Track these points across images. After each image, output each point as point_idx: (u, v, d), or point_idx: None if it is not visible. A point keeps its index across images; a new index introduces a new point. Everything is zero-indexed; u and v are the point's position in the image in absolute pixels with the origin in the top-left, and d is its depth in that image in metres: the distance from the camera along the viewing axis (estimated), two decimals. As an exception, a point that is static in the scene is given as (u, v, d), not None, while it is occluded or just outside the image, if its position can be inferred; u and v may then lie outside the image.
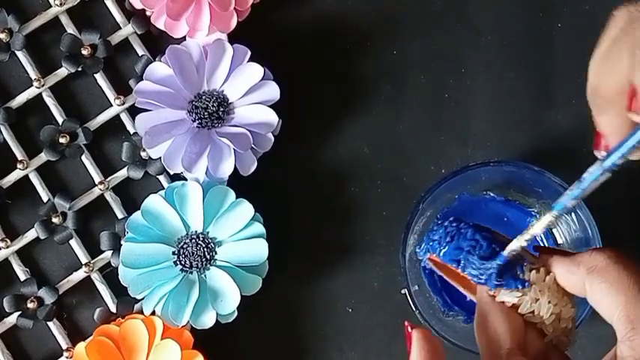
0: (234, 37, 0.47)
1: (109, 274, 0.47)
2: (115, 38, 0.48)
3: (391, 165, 0.50)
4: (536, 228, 0.35)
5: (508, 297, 0.35)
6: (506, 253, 0.35)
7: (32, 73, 0.48)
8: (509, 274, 0.35)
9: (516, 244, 0.35)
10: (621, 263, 0.32)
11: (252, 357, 0.49)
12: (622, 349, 0.31)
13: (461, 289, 0.40)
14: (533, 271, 0.35)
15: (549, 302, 0.35)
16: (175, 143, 0.46)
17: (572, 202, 0.33)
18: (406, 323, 0.34)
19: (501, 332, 0.34)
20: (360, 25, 0.51)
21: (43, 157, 0.47)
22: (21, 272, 0.47)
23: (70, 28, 0.48)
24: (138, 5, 0.47)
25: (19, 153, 0.47)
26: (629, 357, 0.30)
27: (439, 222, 0.38)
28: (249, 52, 0.47)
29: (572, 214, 0.44)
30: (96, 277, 0.47)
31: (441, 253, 0.37)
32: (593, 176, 0.32)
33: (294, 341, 0.49)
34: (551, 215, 0.34)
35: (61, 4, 0.48)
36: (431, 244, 0.38)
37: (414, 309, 0.44)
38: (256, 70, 0.46)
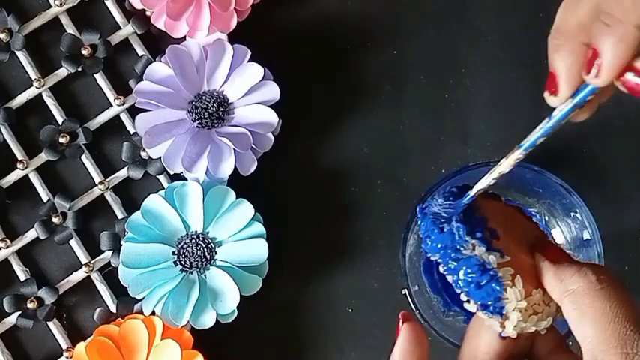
0: (234, 37, 0.47)
1: (109, 274, 0.47)
2: (115, 38, 0.48)
3: (391, 165, 0.50)
4: (504, 166, 0.35)
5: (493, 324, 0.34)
6: (473, 192, 0.36)
7: (32, 73, 0.48)
8: (486, 293, 0.34)
9: (484, 182, 0.36)
10: (604, 290, 0.31)
11: (252, 357, 0.49)
12: None
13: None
14: (510, 292, 0.34)
15: (529, 320, 0.34)
16: (175, 143, 0.46)
17: (541, 140, 0.33)
18: (400, 316, 0.34)
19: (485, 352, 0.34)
20: (360, 25, 0.51)
21: (43, 157, 0.47)
22: (21, 272, 0.47)
23: (70, 28, 0.48)
24: (138, 5, 0.47)
25: (19, 153, 0.47)
26: None
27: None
28: (249, 52, 0.47)
29: (573, 214, 0.44)
30: (96, 277, 0.47)
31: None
32: (563, 113, 0.32)
33: (294, 341, 0.49)
34: (519, 153, 0.34)
35: (61, 4, 0.48)
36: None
37: (414, 309, 0.44)
38: (256, 70, 0.46)
